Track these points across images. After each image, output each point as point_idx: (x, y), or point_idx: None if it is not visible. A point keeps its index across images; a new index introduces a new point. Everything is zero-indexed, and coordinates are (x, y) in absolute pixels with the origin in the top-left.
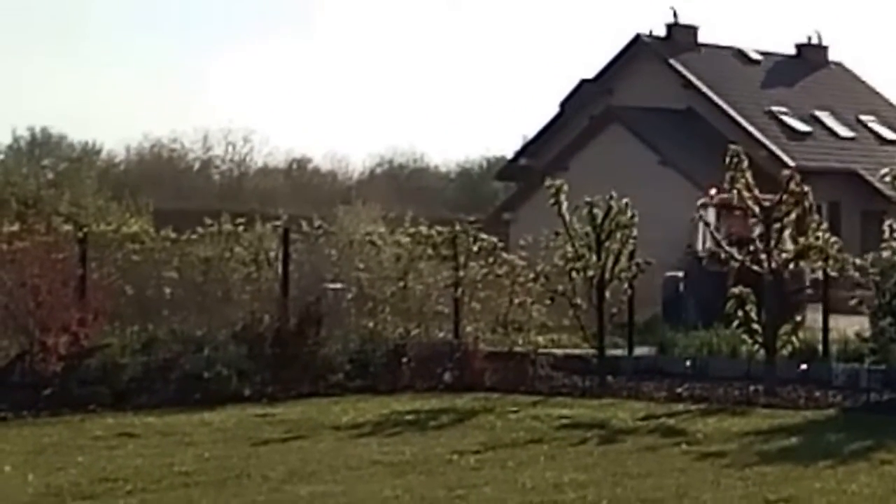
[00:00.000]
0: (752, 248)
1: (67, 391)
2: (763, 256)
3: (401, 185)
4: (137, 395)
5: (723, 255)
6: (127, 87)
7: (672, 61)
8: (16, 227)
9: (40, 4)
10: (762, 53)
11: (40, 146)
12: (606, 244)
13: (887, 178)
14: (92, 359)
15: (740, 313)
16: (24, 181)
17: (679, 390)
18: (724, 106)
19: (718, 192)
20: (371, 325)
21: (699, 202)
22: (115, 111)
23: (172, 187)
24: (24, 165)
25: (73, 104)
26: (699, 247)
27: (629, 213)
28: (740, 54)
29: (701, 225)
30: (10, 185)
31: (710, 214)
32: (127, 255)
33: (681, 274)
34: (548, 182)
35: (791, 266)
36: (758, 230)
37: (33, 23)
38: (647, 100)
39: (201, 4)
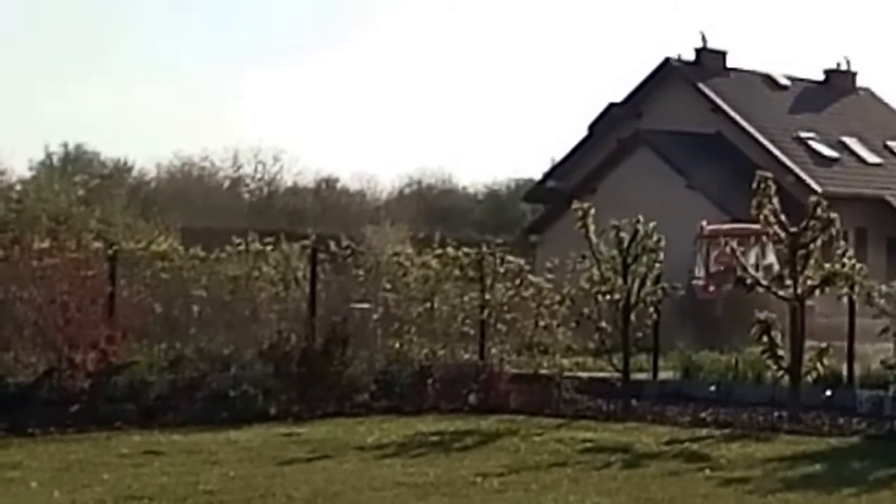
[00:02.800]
0: (776, 273)
1: (94, 408)
2: (789, 282)
3: (429, 205)
4: (164, 412)
5: (748, 281)
6: (158, 104)
7: (701, 85)
8: (46, 244)
9: (73, 21)
10: (790, 79)
11: (72, 162)
12: (633, 268)
13: None
14: (119, 376)
15: (765, 339)
16: (56, 197)
17: (703, 415)
18: (752, 131)
19: (709, 224)
20: (397, 345)
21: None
22: (147, 128)
23: (202, 205)
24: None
25: (106, 121)
26: (697, 274)
27: (655, 237)
28: (769, 79)
29: (698, 254)
30: (42, 201)
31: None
32: (156, 272)
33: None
34: (575, 205)
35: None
36: (752, 257)
37: (67, 39)
38: (676, 123)
39: (232, 23)
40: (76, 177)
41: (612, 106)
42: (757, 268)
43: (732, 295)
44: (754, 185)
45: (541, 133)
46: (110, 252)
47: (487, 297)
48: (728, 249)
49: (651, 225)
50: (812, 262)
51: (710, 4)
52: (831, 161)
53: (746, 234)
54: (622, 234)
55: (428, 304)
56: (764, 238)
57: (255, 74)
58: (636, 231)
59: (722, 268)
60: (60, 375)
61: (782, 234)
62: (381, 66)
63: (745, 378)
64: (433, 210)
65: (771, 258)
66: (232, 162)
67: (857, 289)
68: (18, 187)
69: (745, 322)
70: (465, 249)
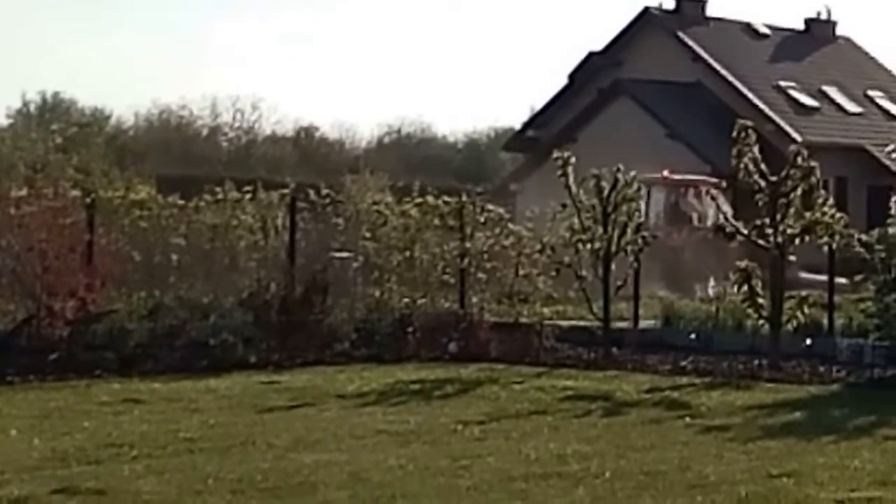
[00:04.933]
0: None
1: (74, 356)
2: (769, 231)
3: (408, 154)
4: (143, 360)
5: (728, 229)
6: (136, 53)
7: (681, 34)
8: (24, 192)
9: None
10: (771, 28)
11: (50, 111)
12: (613, 217)
13: (894, 154)
14: (98, 324)
15: (745, 287)
16: (33, 145)
17: (683, 363)
18: (733, 80)
19: (671, 173)
20: (377, 294)
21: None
22: (125, 77)
23: (180, 154)
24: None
25: (83, 69)
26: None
27: (636, 186)
28: (749, 28)
29: (643, 202)
30: (19, 149)
31: (660, 193)
32: (134, 221)
33: None
34: (555, 154)
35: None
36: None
37: None
38: (656, 72)
39: None
40: (53, 125)
41: (592, 55)
42: (717, 215)
43: (697, 241)
44: (734, 134)
45: (521, 82)
46: (88, 200)
47: (468, 245)
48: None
49: (631, 174)
50: (792, 210)
51: None
52: (811, 110)
53: (705, 184)
54: (602, 183)
55: (408, 253)
56: (714, 190)
57: (234, 23)
58: (616, 180)
59: (686, 214)
60: (39, 323)
61: (762, 183)
62: (360, 14)
63: (725, 326)
64: (413, 159)
65: (726, 207)
66: (210, 110)
67: (837, 238)
68: None
69: (710, 267)
70: (445, 198)
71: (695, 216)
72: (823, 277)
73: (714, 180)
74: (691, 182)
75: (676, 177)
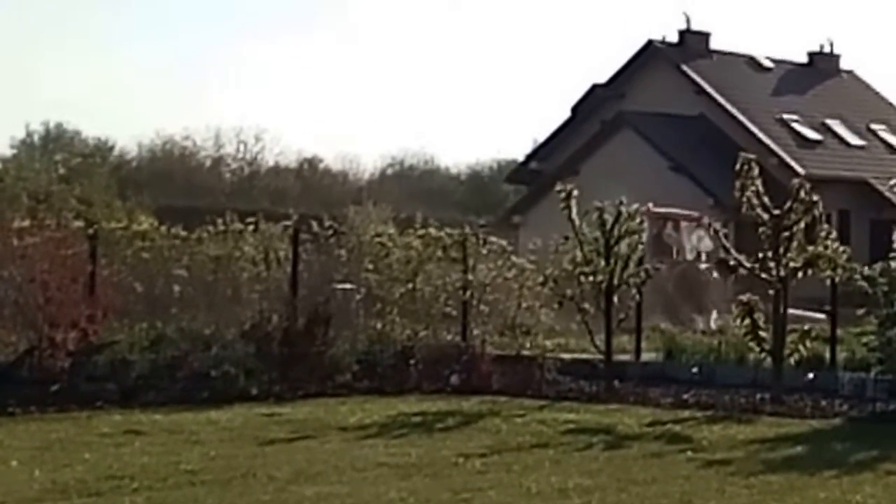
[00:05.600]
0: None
1: (75, 387)
2: (771, 265)
3: (411, 186)
4: (145, 392)
5: (731, 262)
6: (140, 84)
7: (684, 67)
8: (26, 223)
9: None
10: (774, 61)
11: (53, 141)
12: (615, 249)
13: None
14: (100, 355)
15: (747, 321)
16: (36, 176)
17: (685, 397)
18: (736, 113)
19: (656, 206)
20: (379, 326)
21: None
22: (129, 108)
23: (184, 185)
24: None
25: (88, 100)
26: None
27: (638, 219)
28: (752, 61)
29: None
30: (22, 179)
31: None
32: (136, 252)
33: None
34: (558, 186)
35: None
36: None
37: (49, 17)
38: (659, 105)
39: (217, 1)
40: (57, 155)
41: (595, 87)
42: (695, 249)
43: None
44: (737, 167)
45: (524, 114)
46: (91, 231)
47: (470, 277)
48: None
49: (634, 207)
50: (795, 244)
51: None
52: (814, 143)
53: (687, 218)
54: (605, 216)
55: (410, 285)
56: (700, 223)
57: (238, 54)
58: (619, 213)
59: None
60: (41, 354)
61: (765, 217)
62: (363, 46)
63: (727, 360)
64: (416, 190)
65: (708, 242)
66: (214, 141)
67: (839, 271)
68: None
69: (692, 298)
70: (448, 230)
71: (675, 249)
72: (812, 314)
73: (696, 214)
74: (674, 215)
75: (660, 210)
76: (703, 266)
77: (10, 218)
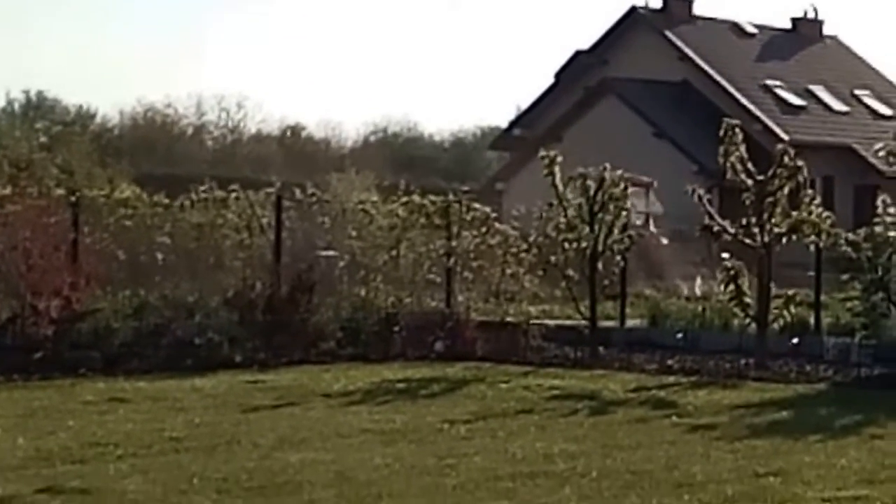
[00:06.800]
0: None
1: (58, 355)
2: (756, 230)
3: (394, 153)
4: (128, 359)
5: (715, 228)
6: (122, 51)
7: (668, 33)
8: (8, 191)
9: None
10: (757, 27)
11: (35, 109)
12: (599, 216)
13: (881, 153)
14: (83, 323)
15: (732, 287)
16: (17, 144)
17: (670, 362)
18: (719, 79)
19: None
20: (363, 293)
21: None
22: (110, 75)
23: (165, 153)
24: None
25: (69, 67)
26: None
27: (622, 185)
28: (736, 27)
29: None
30: (3, 147)
31: None
32: (119, 220)
33: None
34: (542, 153)
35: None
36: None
37: None
38: (643, 71)
39: None
40: (38, 123)
41: (578, 54)
42: (644, 214)
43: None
44: (721, 133)
45: (507, 81)
46: (73, 199)
47: (454, 244)
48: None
49: (618, 173)
50: (779, 210)
51: None
52: (798, 109)
53: (638, 183)
54: (589, 182)
55: (394, 252)
56: (650, 188)
57: (219, 21)
58: (603, 179)
59: None
60: (24, 322)
61: (749, 183)
62: (346, 12)
63: (711, 325)
64: (399, 158)
65: (658, 206)
66: (195, 109)
67: (823, 237)
68: None
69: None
70: (431, 197)
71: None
72: None
73: (647, 180)
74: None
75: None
76: (652, 230)
77: None
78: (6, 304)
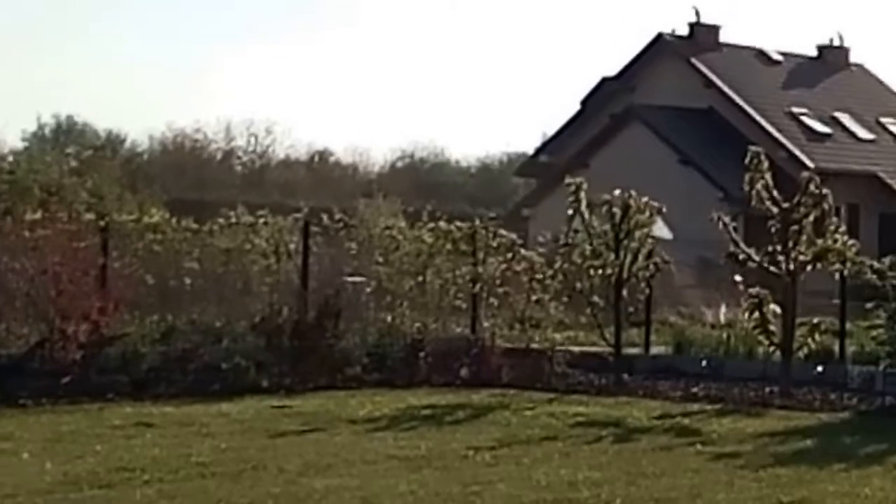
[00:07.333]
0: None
1: (86, 379)
2: (781, 258)
3: (421, 179)
4: (156, 384)
5: (740, 256)
6: (151, 77)
7: (694, 60)
8: (38, 215)
9: None
10: (783, 54)
11: (65, 134)
12: (625, 243)
13: None
14: (111, 348)
15: (756, 314)
16: (48, 168)
17: (695, 390)
18: (745, 106)
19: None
20: (389, 319)
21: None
22: (140, 100)
23: (194, 177)
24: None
25: (99, 92)
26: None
27: (647, 212)
28: (762, 55)
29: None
30: (34, 171)
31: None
32: (148, 244)
33: None
34: (568, 179)
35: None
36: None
37: (61, 9)
38: (669, 98)
39: None
40: (68, 148)
41: (605, 80)
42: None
43: None
44: (746, 161)
45: (533, 107)
46: (102, 223)
47: (480, 270)
48: None
49: (643, 200)
50: (804, 237)
51: None
52: (824, 137)
53: None
54: (614, 209)
55: (420, 278)
56: (660, 212)
57: (248, 47)
58: (628, 206)
59: None
60: (52, 347)
61: (774, 210)
62: (373, 38)
63: (736, 353)
64: (425, 183)
65: (666, 231)
66: (224, 134)
67: (848, 265)
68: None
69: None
70: (458, 223)
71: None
72: None
73: (657, 205)
74: None
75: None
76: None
77: (21, 210)
78: (35, 328)
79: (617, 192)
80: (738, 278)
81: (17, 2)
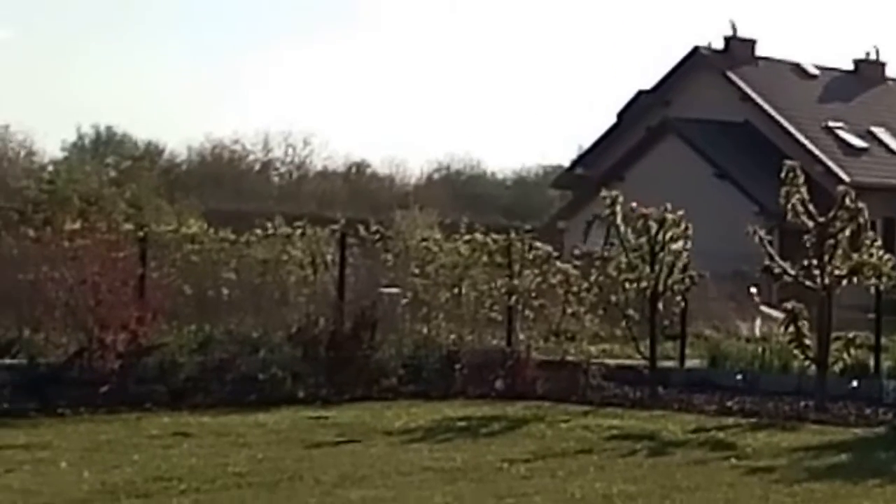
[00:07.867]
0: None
1: (124, 389)
2: (816, 272)
3: (457, 191)
4: (193, 394)
5: (776, 270)
6: (190, 87)
7: (730, 74)
8: (77, 225)
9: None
10: (820, 68)
11: (104, 144)
12: (660, 256)
13: None
14: (149, 357)
15: (792, 328)
16: (87, 178)
17: (729, 404)
18: (781, 120)
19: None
20: (425, 330)
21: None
22: (179, 111)
23: (232, 188)
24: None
25: (138, 103)
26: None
27: (683, 226)
28: (798, 68)
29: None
30: (73, 181)
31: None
32: (186, 255)
33: None
34: (603, 192)
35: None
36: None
37: (101, 21)
38: (705, 112)
39: (265, 3)
40: (108, 158)
41: (641, 94)
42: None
43: None
44: (782, 175)
45: (569, 120)
46: (141, 234)
47: (515, 283)
48: None
49: (679, 213)
50: (840, 252)
51: None
52: (860, 151)
53: None
54: (650, 223)
55: (456, 290)
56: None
57: (287, 57)
58: (664, 219)
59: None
60: (91, 356)
61: (810, 224)
62: (412, 50)
63: (771, 367)
64: (462, 195)
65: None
66: (262, 145)
67: (884, 279)
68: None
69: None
70: (494, 235)
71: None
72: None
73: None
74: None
75: (645, 210)
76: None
77: (61, 220)
78: (74, 337)
79: (638, 206)
80: (752, 290)
81: (57, 13)
